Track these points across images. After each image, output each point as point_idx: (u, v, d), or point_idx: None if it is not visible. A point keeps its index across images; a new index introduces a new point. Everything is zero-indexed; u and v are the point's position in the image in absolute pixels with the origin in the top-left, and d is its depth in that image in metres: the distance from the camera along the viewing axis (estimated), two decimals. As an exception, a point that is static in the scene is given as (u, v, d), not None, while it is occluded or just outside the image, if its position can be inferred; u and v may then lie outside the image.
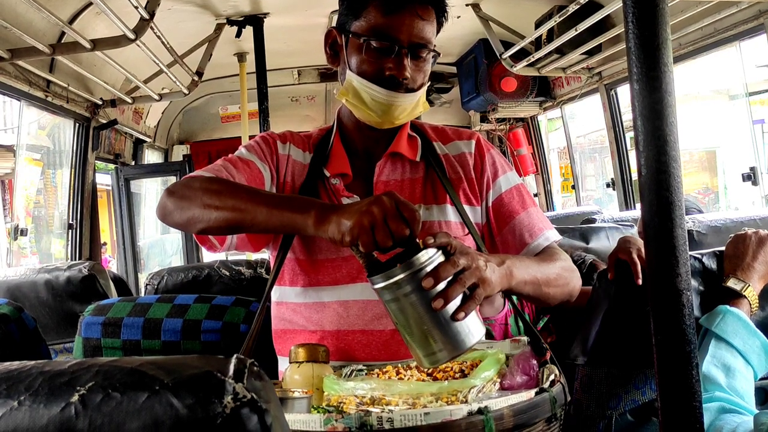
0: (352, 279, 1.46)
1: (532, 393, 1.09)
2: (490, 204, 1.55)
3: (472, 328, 1.14)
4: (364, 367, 1.34)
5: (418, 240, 1.16)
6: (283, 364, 1.50)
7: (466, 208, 1.52)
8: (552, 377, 1.16)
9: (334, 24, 1.57)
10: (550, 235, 1.54)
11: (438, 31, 1.50)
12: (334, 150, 1.55)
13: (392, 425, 0.97)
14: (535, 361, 1.23)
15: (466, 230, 1.51)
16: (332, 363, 1.37)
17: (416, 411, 0.99)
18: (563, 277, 1.47)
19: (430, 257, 1.13)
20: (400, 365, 1.32)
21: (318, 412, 1.09)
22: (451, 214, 1.51)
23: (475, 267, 1.17)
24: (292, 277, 1.51)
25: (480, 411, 1.00)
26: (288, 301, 1.52)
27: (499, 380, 1.19)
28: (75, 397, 0.50)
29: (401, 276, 1.11)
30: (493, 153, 1.60)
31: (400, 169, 1.54)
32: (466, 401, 1.09)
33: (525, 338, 1.35)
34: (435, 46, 1.48)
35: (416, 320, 1.12)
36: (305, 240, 1.49)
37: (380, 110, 1.45)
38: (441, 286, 1.12)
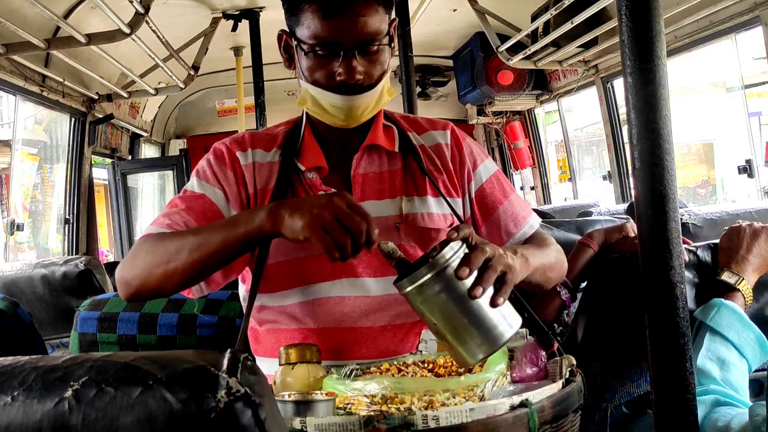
0: (337, 275, 1.42)
1: (559, 384, 1.09)
2: (473, 195, 1.52)
3: (509, 317, 1.13)
4: (357, 366, 1.32)
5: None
6: (261, 364, 1.46)
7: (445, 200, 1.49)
8: (571, 368, 1.16)
9: None
10: (534, 222, 1.54)
11: (389, 14, 1.41)
12: (305, 143, 1.50)
13: (438, 423, 0.94)
14: (543, 352, 1.22)
15: (449, 221, 1.49)
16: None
17: (461, 407, 0.97)
18: (560, 260, 1.47)
19: (456, 251, 1.11)
20: (396, 362, 1.31)
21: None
22: (433, 205, 1.48)
23: (499, 254, 1.15)
24: (275, 279, 1.46)
25: (522, 404, 0.99)
26: (270, 304, 1.47)
27: (509, 373, 1.19)
28: (68, 392, 0.50)
29: (431, 274, 1.09)
30: (469, 142, 1.57)
31: (377, 161, 1.50)
32: (483, 396, 1.08)
33: (524, 330, 1.34)
34: (387, 32, 1.40)
35: (453, 317, 1.10)
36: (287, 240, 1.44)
37: (342, 114, 1.41)
38: (474, 275, 1.11)
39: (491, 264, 1.13)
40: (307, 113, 1.52)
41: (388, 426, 0.94)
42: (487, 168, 1.55)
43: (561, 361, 1.16)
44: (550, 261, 1.43)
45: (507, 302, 1.15)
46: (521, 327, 1.31)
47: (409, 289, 1.11)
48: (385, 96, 1.44)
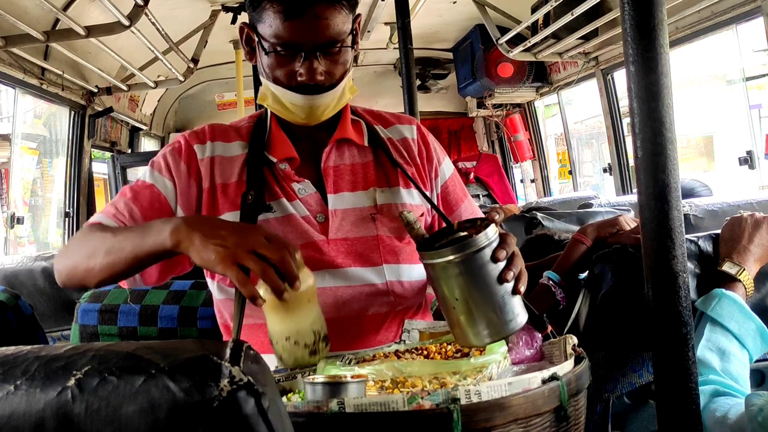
0: (317, 266, 1.39)
1: (571, 362, 1.10)
2: (439, 191, 1.55)
3: (521, 307, 1.16)
4: (352, 356, 1.31)
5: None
6: None
7: (416, 192, 1.50)
8: (573, 346, 1.17)
9: None
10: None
11: (353, 12, 1.41)
12: (273, 135, 1.48)
13: (480, 398, 0.96)
14: (538, 335, 1.23)
15: (420, 212, 1.49)
16: None
17: (500, 382, 0.98)
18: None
19: (494, 233, 1.13)
20: (389, 351, 1.30)
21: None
22: (405, 196, 1.48)
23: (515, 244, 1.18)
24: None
25: (553, 377, 1.01)
26: None
27: (508, 355, 1.20)
28: (71, 382, 0.50)
29: (467, 251, 1.10)
30: (433, 139, 1.60)
31: (347, 154, 1.50)
32: (491, 377, 1.09)
33: None
34: (351, 31, 1.40)
35: (475, 298, 1.12)
36: None
37: (302, 113, 1.40)
38: (506, 260, 1.13)
39: (516, 252, 1.15)
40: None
41: (432, 402, 0.94)
42: (449, 166, 1.59)
43: (564, 341, 1.17)
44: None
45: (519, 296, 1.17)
46: None
47: (437, 261, 1.12)
48: (346, 94, 1.45)
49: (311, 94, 1.38)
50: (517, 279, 1.15)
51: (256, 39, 1.41)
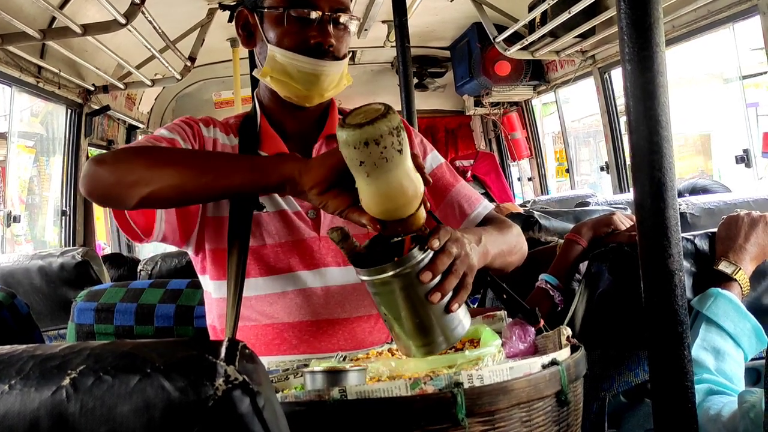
0: (309, 265, 1.40)
1: (567, 350, 1.10)
2: None
3: (462, 318, 1.13)
4: (346, 355, 1.30)
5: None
6: None
7: None
8: (567, 337, 1.16)
9: None
10: (487, 204, 1.55)
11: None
12: (263, 131, 1.48)
13: (482, 382, 0.95)
14: (532, 328, 1.23)
15: None
16: (295, 357, 1.33)
17: (502, 366, 0.99)
18: (519, 243, 1.46)
19: (422, 254, 1.08)
20: (379, 349, 1.30)
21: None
22: None
23: (464, 254, 1.13)
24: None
25: (553, 362, 1.02)
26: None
27: (502, 349, 1.19)
28: (66, 381, 0.50)
29: (392, 273, 1.06)
30: (417, 133, 1.60)
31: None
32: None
33: (500, 313, 1.34)
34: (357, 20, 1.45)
35: (407, 316, 1.09)
36: (253, 226, 1.40)
37: (308, 82, 1.40)
38: (436, 279, 1.08)
39: (455, 269, 1.10)
40: (260, 104, 1.51)
41: (435, 387, 0.94)
42: (436, 157, 1.58)
43: (558, 332, 1.17)
44: (510, 245, 1.41)
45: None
46: (502, 309, 1.30)
47: (367, 279, 1.09)
48: (344, 79, 1.46)
49: (322, 59, 1.38)
50: (455, 295, 1.11)
51: (259, 17, 1.42)
